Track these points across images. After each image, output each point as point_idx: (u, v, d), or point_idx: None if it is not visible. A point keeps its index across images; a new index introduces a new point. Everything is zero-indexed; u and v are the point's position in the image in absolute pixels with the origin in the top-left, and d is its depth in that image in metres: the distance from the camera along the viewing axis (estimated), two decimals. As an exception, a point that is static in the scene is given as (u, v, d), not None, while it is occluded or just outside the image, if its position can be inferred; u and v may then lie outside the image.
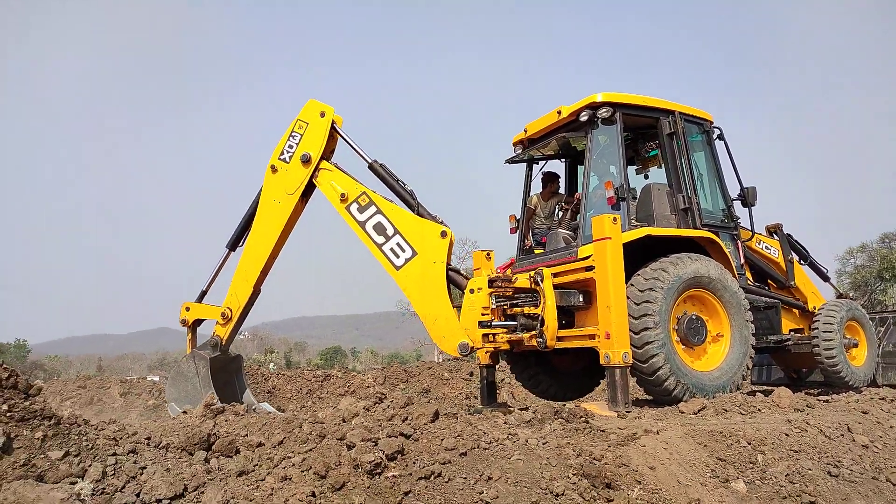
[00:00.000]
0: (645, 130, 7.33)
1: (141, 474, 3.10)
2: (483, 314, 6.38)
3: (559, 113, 6.97)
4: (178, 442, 3.67)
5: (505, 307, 6.59)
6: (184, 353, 6.70)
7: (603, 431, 4.56)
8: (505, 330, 6.46)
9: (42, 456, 3.21)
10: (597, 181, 6.92)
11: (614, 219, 6.03)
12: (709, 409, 5.71)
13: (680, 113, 6.97)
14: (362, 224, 6.35)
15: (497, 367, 7.94)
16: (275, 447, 3.73)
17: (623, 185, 6.51)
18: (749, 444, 4.53)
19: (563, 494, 3.49)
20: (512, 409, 6.22)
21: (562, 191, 8.13)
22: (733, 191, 7.35)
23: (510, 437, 3.98)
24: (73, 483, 2.99)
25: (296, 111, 6.69)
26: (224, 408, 4.84)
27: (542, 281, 6.38)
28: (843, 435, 4.97)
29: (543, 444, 3.97)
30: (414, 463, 3.46)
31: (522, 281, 6.55)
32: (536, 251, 7.58)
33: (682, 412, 5.72)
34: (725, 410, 5.72)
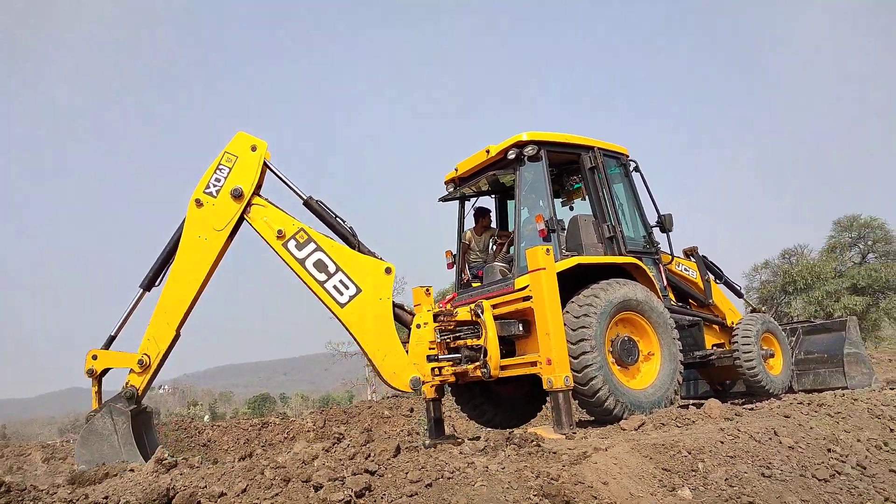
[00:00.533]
0: (567, 166, 7.76)
1: (108, 535, 3.04)
2: (430, 348, 6.53)
3: (487, 152, 7.29)
4: (135, 500, 3.60)
5: (448, 340, 6.76)
6: (90, 410, 5.92)
7: (555, 453, 4.75)
8: (450, 363, 6.61)
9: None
10: (527, 214, 7.24)
11: (547, 250, 6.33)
12: (648, 425, 6.01)
13: (599, 148, 7.43)
14: (301, 261, 6.16)
15: (441, 400, 8.03)
16: (238, 496, 3.70)
17: (552, 218, 6.85)
18: (689, 453, 4.83)
19: (527, 515, 3.64)
20: (461, 439, 6.33)
21: (493, 225, 8.44)
22: (651, 218, 7.85)
23: (470, 465, 4.12)
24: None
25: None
26: (177, 461, 4.69)
27: (482, 313, 6.60)
28: (770, 439, 5.36)
29: (503, 469, 4.12)
30: (382, 497, 3.54)
31: (464, 314, 6.76)
32: (474, 284, 7.82)
33: (624, 429, 5.99)
34: (663, 424, 6.04)
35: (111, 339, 6.12)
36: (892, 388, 7.86)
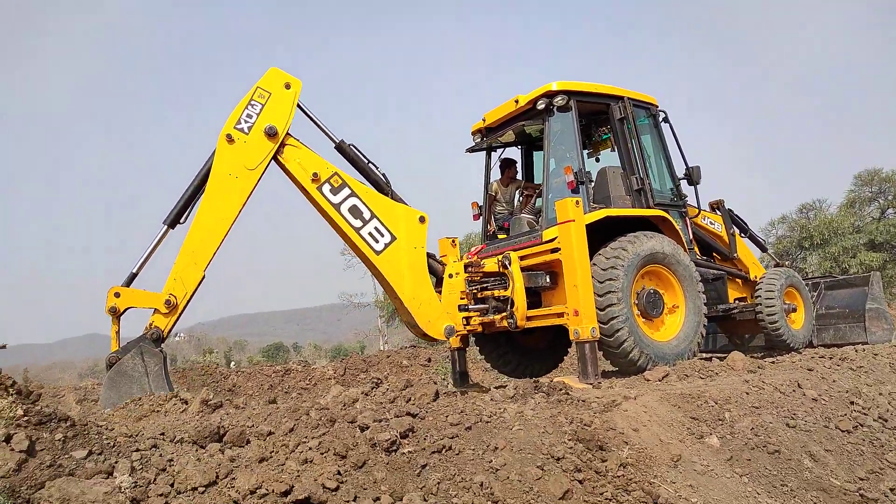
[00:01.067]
0: (596, 116, 7.69)
1: (170, 466, 3.20)
2: (461, 298, 6.63)
3: (516, 102, 7.24)
4: (189, 436, 3.76)
5: (475, 291, 6.85)
6: (110, 352, 5.50)
7: (583, 401, 4.88)
8: (478, 313, 6.72)
9: (66, 456, 3.27)
10: (555, 166, 7.23)
11: (577, 202, 6.36)
12: (672, 376, 6.13)
13: (629, 98, 7.35)
14: (336, 207, 6.00)
15: (466, 350, 8.19)
16: (286, 434, 3.85)
17: (581, 170, 6.83)
18: (716, 403, 4.95)
19: (563, 458, 3.78)
20: (487, 388, 6.49)
21: (519, 176, 8.43)
22: (678, 170, 7.81)
23: (505, 410, 4.25)
24: (104, 479, 3.07)
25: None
26: (222, 402, 4.83)
27: (510, 264, 6.68)
28: (794, 391, 5.47)
29: (537, 414, 4.25)
30: (425, 438, 3.68)
31: (491, 265, 6.83)
32: (500, 236, 7.87)
33: (648, 380, 6.12)
34: (687, 376, 6.16)
35: (133, 277, 5.71)
36: (912, 344, 7.92)
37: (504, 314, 6.71)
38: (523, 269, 6.72)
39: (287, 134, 6.00)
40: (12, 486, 2.94)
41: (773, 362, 6.83)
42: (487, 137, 7.88)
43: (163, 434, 3.65)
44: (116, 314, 5.51)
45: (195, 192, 5.88)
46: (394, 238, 6.10)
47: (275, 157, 5.97)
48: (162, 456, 3.30)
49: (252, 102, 5.89)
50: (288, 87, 6.02)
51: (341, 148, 6.35)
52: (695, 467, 4.13)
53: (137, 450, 3.40)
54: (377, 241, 6.05)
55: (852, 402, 5.43)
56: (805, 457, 4.52)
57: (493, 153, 8.21)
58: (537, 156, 8.62)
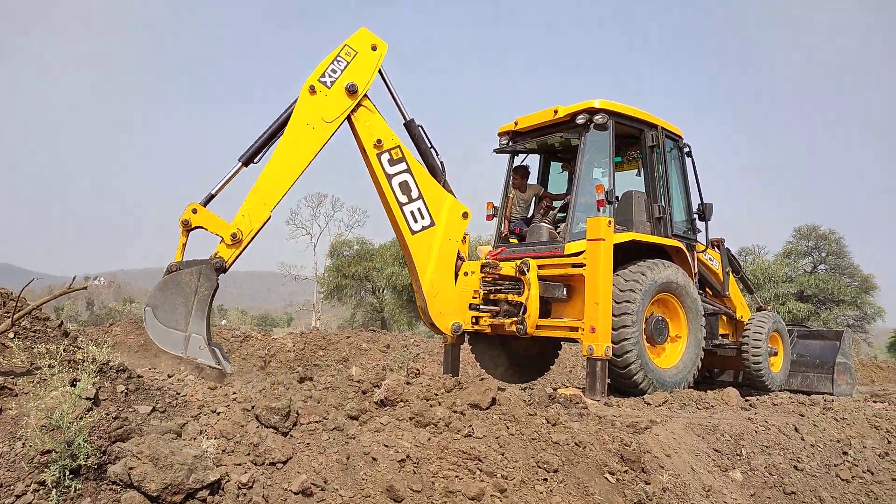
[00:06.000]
0: (626, 139, 7.81)
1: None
2: (473, 297, 6.63)
3: (556, 112, 7.27)
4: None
5: (488, 292, 6.87)
6: (173, 260, 5.57)
7: (600, 417, 4.95)
8: (489, 314, 6.73)
9: (131, 410, 3.11)
10: (586, 181, 7.28)
11: (609, 221, 6.44)
12: (672, 403, 6.31)
13: (662, 128, 7.50)
14: (389, 178, 6.14)
15: (460, 347, 8.17)
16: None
17: (612, 190, 6.93)
18: (732, 438, 5.12)
19: (614, 474, 3.85)
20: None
21: (532, 182, 8.45)
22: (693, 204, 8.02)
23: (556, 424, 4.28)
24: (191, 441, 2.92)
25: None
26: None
27: (528, 271, 6.71)
28: (793, 434, 5.72)
29: (584, 429, 4.30)
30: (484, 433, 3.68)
31: (507, 269, 6.85)
32: (511, 240, 7.89)
33: (648, 403, 6.27)
34: (685, 405, 6.34)
35: (210, 198, 5.82)
36: (875, 401, 8.40)
37: (515, 319, 6.74)
38: (540, 279, 6.77)
39: (365, 95, 6.12)
40: (89, 433, 2.77)
41: (758, 401, 7.11)
42: (515, 141, 7.88)
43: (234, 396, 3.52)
44: (188, 228, 5.65)
45: (272, 136, 6.00)
46: (433, 223, 6.21)
47: (348, 115, 6.08)
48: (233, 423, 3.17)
49: (338, 58, 6.01)
50: (374, 48, 6.14)
51: (409, 126, 6.47)
52: (725, 499, 4.27)
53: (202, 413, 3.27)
54: (416, 222, 6.17)
55: (845, 453, 5.71)
56: (816, 501, 4.74)
57: (516, 157, 8.22)
58: (554, 166, 8.68)
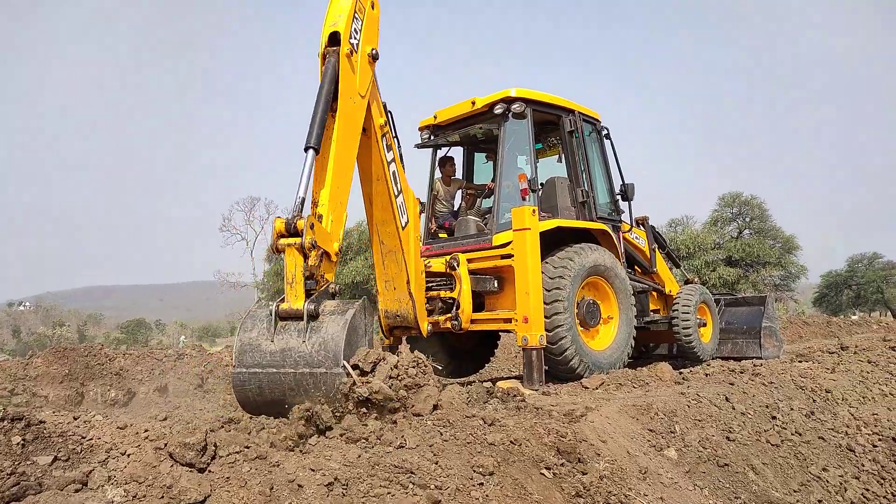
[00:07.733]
0: (545, 126, 7.83)
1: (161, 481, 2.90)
2: None
3: (473, 104, 7.21)
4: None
5: None
6: (307, 301, 4.03)
7: (546, 410, 4.96)
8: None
9: (29, 463, 2.89)
10: (507, 171, 7.27)
11: (533, 210, 6.45)
12: (609, 384, 6.39)
13: (579, 112, 7.55)
14: (386, 164, 5.35)
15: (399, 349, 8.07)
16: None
17: (535, 178, 6.94)
18: (665, 415, 5.20)
19: (551, 469, 3.84)
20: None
21: (458, 175, 8.40)
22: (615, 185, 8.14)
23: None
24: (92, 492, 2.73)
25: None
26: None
27: (458, 266, 6.67)
28: (724, 404, 5.87)
29: (519, 424, 4.27)
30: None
31: (437, 265, 6.78)
32: (441, 235, 7.82)
33: (586, 387, 6.32)
34: (621, 385, 6.43)
35: (303, 203, 4.21)
36: (801, 361, 8.75)
37: (449, 315, 6.70)
38: (471, 272, 6.74)
39: None
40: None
41: (691, 373, 7.29)
42: (436, 135, 7.80)
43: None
44: (314, 248, 4.14)
45: (325, 112, 4.57)
46: (408, 221, 5.70)
47: None
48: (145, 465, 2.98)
49: (356, 16, 4.86)
50: (373, 7, 5.17)
51: (389, 113, 5.59)
52: (661, 480, 4.32)
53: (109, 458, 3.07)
54: (403, 216, 5.59)
55: (774, 417, 5.91)
56: (749, 470, 4.87)
57: (438, 150, 8.14)
58: (478, 157, 8.66)
